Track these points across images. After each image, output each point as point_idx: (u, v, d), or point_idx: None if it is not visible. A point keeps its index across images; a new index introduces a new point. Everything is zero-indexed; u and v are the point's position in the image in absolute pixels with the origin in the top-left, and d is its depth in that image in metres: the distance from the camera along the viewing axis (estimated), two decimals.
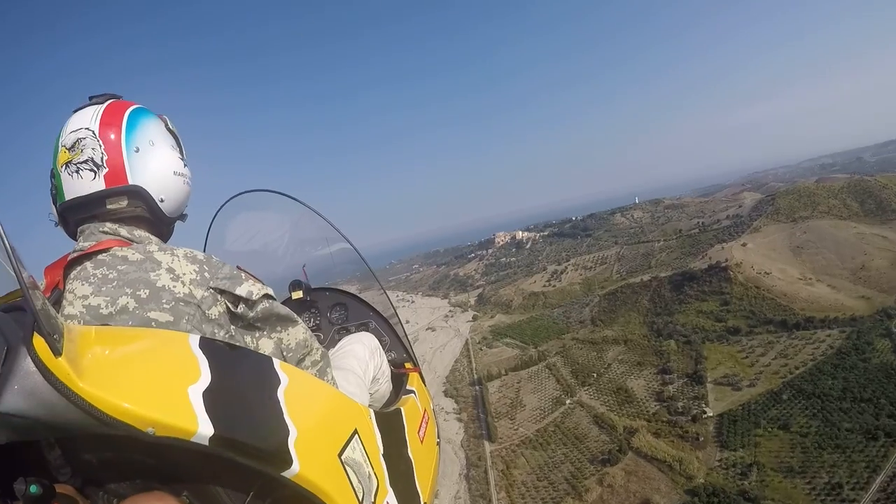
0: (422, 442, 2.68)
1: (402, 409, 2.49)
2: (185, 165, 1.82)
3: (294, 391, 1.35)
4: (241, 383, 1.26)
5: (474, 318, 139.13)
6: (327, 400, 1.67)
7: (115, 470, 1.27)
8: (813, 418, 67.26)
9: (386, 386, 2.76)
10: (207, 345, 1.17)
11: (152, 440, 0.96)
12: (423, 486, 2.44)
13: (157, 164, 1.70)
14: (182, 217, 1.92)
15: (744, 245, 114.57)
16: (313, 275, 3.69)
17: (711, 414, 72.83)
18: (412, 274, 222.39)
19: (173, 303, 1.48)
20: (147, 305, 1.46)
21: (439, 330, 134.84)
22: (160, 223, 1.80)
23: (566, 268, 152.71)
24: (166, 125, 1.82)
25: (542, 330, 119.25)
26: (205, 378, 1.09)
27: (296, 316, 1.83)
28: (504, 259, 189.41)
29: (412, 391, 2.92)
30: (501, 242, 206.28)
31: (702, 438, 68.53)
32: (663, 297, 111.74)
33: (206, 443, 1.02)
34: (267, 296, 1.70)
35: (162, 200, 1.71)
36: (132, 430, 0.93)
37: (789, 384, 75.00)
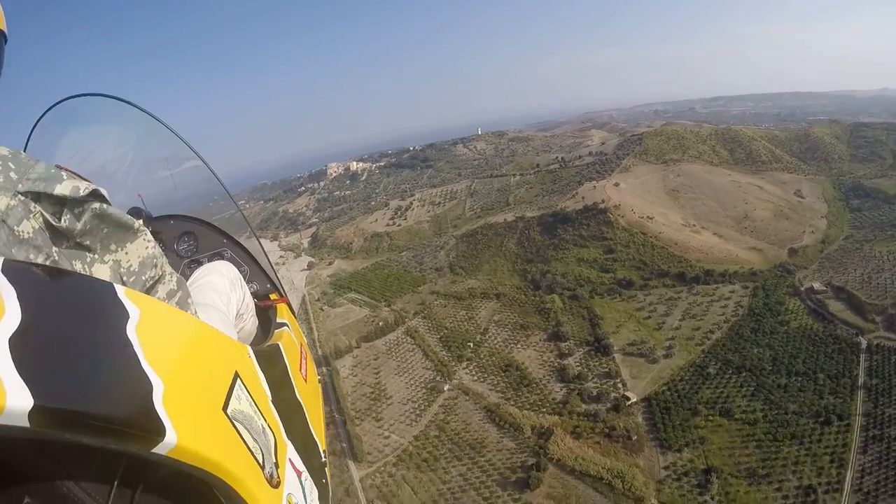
0: (306, 381, 2.45)
1: (279, 344, 2.19)
2: None
3: (150, 327, 0.97)
4: (69, 322, 0.86)
5: (310, 266, 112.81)
6: (197, 336, 1.22)
7: None
8: (753, 399, 54.41)
9: (252, 321, 2.52)
10: (13, 270, 0.81)
11: None
12: (318, 433, 2.30)
13: None
14: None
15: (616, 185, 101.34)
16: (155, 205, 3.24)
17: (635, 399, 55.06)
18: (237, 211, 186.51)
19: None
20: None
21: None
22: None
23: (411, 203, 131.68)
24: None
25: (393, 280, 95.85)
26: (10, 316, 0.73)
27: (136, 223, 1.47)
28: (338, 192, 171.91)
29: (284, 323, 2.63)
30: (334, 174, 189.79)
31: (635, 437, 50.06)
32: (533, 240, 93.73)
33: (25, 422, 0.65)
34: (96, 194, 1.31)
35: None
36: None
37: (711, 353, 61.65)
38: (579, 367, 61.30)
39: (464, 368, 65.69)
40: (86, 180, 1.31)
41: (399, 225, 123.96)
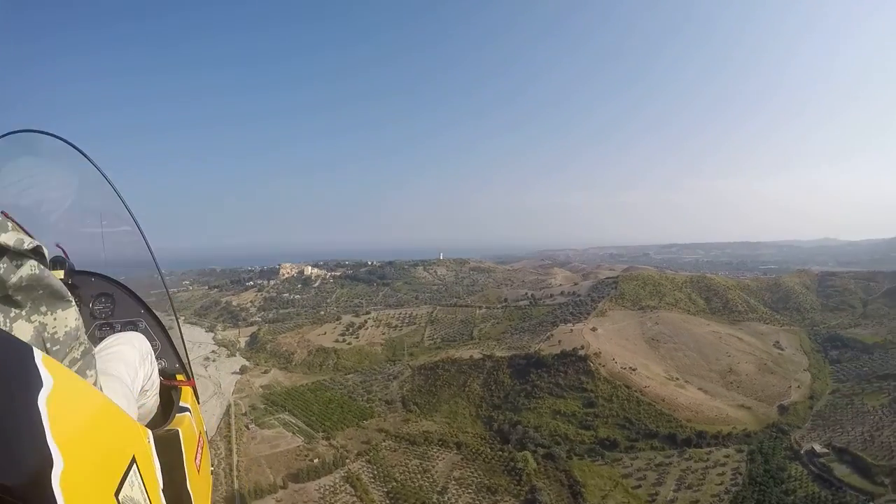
0: (198, 472, 2.44)
1: (179, 430, 2.24)
2: None
3: (60, 400, 0.92)
4: None
5: (243, 371, 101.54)
6: (103, 415, 1.19)
7: None
8: None
9: (154, 400, 2.43)
10: None
11: None
12: None
13: None
14: None
15: (594, 329, 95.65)
16: (77, 258, 3.05)
17: None
18: (180, 291, 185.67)
19: None
20: None
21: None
22: None
23: (365, 321, 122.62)
24: None
25: (336, 407, 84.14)
26: None
27: (69, 294, 1.42)
28: (287, 295, 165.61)
29: (187, 408, 2.62)
30: (287, 275, 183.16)
31: None
32: (502, 384, 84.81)
33: None
34: (38, 252, 1.27)
35: None
36: None
37: None
38: None
39: None
40: (30, 236, 1.26)
41: (349, 343, 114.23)
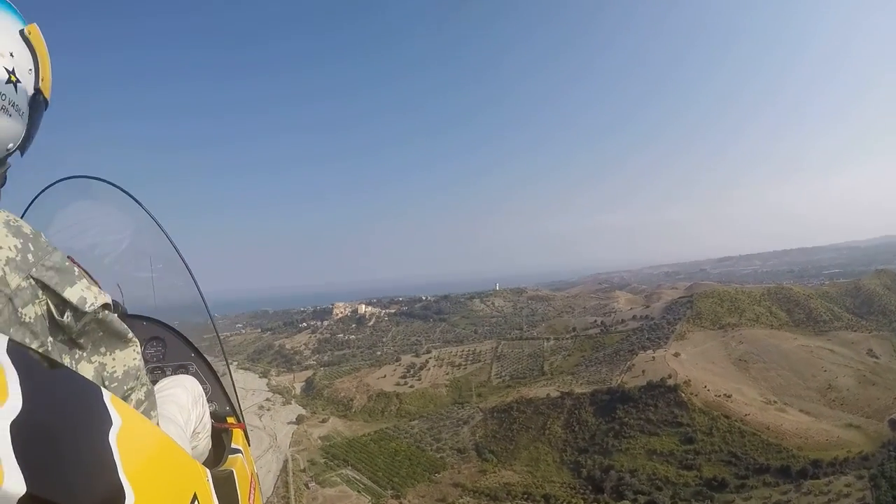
0: None
1: (233, 470, 2.41)
2: (14, 82, 1.32)
3: (129, 437, 0.98)
4: (62, 417, 0.86)
5: (299, 420, 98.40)
6: (165, 453, 1.25)
7: None
8: None
9: (206, 443, 2.54)
10: (19, 353, 0.80)
11: None
12: None
13: None
14: (2, 161, 1.41)
15: (676, 355, 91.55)
16: (130, 302, 3.20)
17: None
18: (233, 335, 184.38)
19: None
20: None
21: (248, 430, 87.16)
22: None
23: (426, 361, 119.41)
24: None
25: (403, 459, 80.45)
26: (13, 401, 0.73)
27: (130, 334, 1.48)
28: (342, 336, 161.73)
29: (239, 450, 2.79)
30: (340, 315, 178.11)
31: None
32: (586, 423, 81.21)
33: None
34: (106, 306, 1.35)
35: None
36: None
37: None
38: None
39: None
40: (96, 284, 1.35)
41: (411, 386, 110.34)
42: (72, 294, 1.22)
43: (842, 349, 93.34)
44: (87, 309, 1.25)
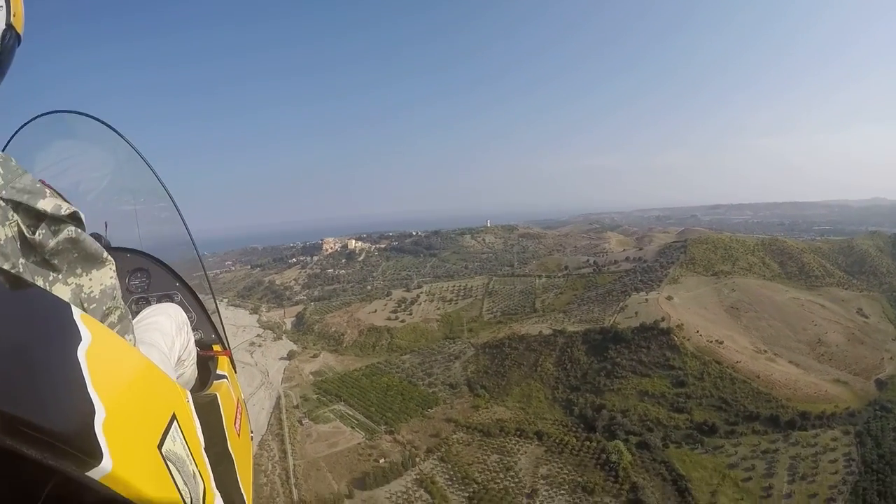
0: (238, 435, 2.59)
1: (217, 395, 2.40)
2: None
3: (99, 353, 0.97)
4: (26, 333, 0.85)
5: (291, 356, 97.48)
6: (141, 371, 1.23)
7: None
8: None
9: (191, 370, 2.54)
10: None
11: None
12: (245, 488, 2.42)
13: None
14: None
15: (669, 298, 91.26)
16: (115, 236, 3.22)
17: None
18: (223, 272, 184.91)
19: None
20: None
21: (240, 368, 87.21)
22: None
23: (417, 296, 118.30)
24: None
25: (395, 394, 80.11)
26: None
27: (106, 254, 1.47)
28: (332, 270, 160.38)
29: (224, 376, 2.81)
30: (330, 250, 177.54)
31: None
32: (578, 362, 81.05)
33: None
34: (75, 216, 1.32)
35: None
36: None
37: None
38: None
39: None
40: (66, 202, 1.32)
41: (402, 320, 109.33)
42: (44, 204, 1.20)
43: (832, 305, 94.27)
44: (61, 213, 1.23)
